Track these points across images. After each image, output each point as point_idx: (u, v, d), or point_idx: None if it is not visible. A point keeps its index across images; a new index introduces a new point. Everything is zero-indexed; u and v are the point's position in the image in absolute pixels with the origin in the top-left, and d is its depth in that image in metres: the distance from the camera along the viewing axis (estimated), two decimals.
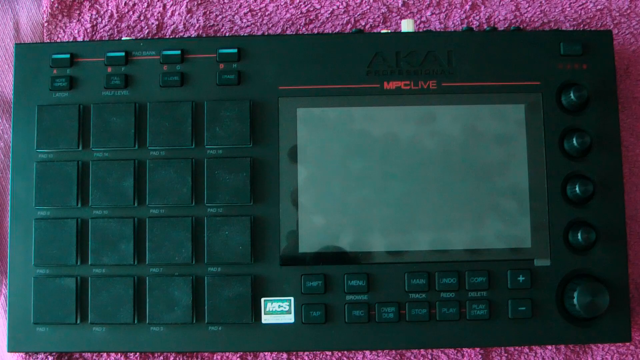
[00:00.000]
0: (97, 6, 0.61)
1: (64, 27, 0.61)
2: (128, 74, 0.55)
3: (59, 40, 0.60)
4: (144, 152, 0.54)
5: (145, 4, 0.61)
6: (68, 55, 0.55)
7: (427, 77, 0.55)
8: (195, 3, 0.61)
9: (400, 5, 0.61)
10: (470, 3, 0.61)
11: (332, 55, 0.55)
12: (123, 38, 0.59)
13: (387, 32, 0.56)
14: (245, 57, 0.55)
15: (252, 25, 0.61)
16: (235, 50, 0.55)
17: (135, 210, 0.54)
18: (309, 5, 0.61)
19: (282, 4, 0.61)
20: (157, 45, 0.56)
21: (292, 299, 0.53)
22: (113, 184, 0.54)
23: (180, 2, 0.61)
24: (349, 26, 0.61)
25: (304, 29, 0.61)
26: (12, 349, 0.53)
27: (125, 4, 0.61)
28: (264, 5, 0.61)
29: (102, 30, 0.61)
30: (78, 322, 0.53)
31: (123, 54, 0.55)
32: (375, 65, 0.55)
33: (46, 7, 0.61)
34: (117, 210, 0.54)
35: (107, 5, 0.61)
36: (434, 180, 0.54)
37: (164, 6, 0.61)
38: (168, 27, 0.61)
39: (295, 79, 0.55)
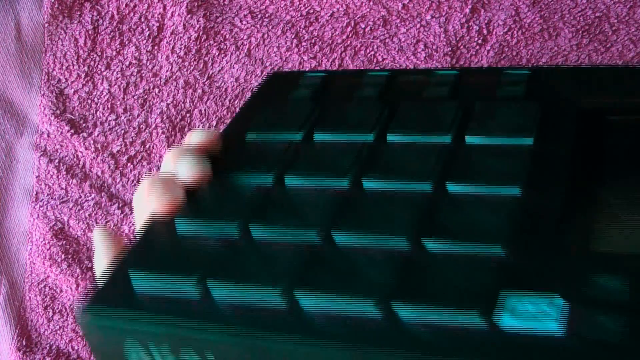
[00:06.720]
0: (98, 7, 0.61)
1: (64, 28, 0.61)
2: None
3: (63, 42, 0.61)
4: None
5: (146, 5, 0.61)
6: None
7: None
8: (196, 4, 0.61)
9: (400, 8, 0.61)
10: (470, 6, 0.61)
11: None
12: None
13: None
14: None
15: (252, 27, 0.61)
16: None
17: None
18: (309, 7, 0.61)
19: (282, 5, 0.61)
20: None
21: None
22: None
23: (181, 3, 0.61)
24: (349, 28, 0.61)
25: (303, 31, 0.61)
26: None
27: (126, 5, 0.61)
28: (264, 7, 0.61)
29: (103, 31, 0.61)
30: None
31: None
32: None
33: (47, 8, 0.61)
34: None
35: (108, 6, 0.61)
36: None
37: (164, 7, 0.61)
38: (168, 28, 0.61)
39: None
